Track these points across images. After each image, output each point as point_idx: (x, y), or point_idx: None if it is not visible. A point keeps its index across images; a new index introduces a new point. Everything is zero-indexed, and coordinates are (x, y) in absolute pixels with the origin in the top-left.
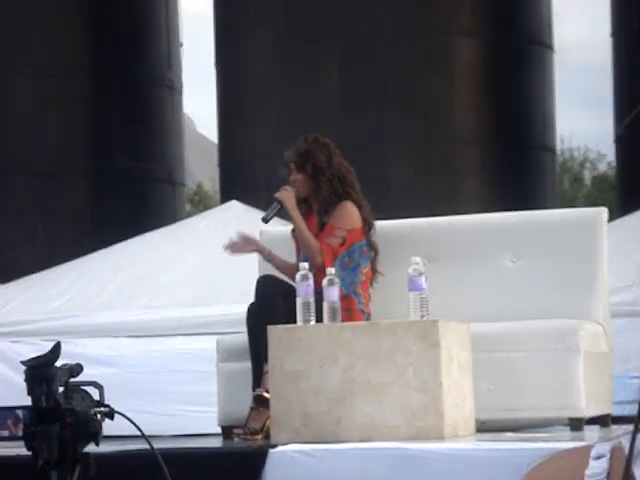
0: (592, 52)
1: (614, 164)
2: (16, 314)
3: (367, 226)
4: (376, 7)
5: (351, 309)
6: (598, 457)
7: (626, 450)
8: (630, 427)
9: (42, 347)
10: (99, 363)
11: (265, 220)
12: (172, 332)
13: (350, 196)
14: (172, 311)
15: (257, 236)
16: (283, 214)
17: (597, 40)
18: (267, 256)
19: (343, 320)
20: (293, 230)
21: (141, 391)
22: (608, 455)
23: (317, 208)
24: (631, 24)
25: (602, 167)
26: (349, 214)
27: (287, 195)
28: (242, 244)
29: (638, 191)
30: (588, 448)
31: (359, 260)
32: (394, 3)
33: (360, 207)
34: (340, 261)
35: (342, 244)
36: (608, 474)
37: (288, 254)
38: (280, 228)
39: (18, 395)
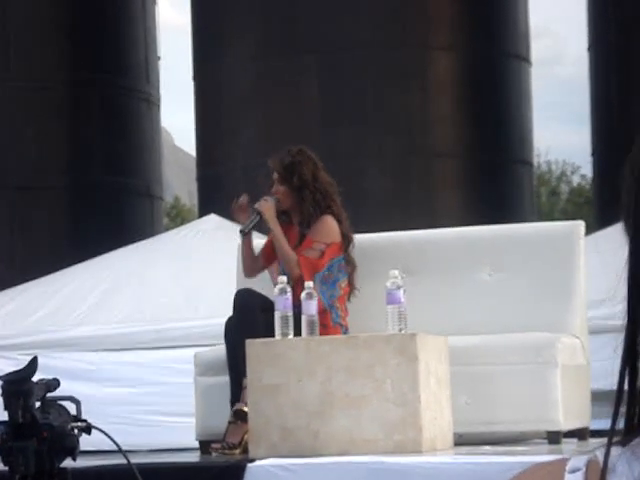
0: (569, 66)
1: (589, 177)
2: None
3: (346, 241)
4: (355, 21)
5: (326, 325)
6: (573, 471)
7: (601, 464)
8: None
9: (20, 362)
10: (77, 377)
11: (243, 232)
12: (150, 345)
13: (331, 210)
14: (150, 324)
15: (235, 250)
16: (261, 226)
17: (574, 54)
18: (247, 233)
19: (320, 335)
20: (266, 246)
21: (119, 404)
22: (584, 469)
23: (299, 220)
24: (607, 38)
25: (576, 180)
26: (329, 228)
27: (267, 206)
28: (238, 209)
29: (614, 204)
30: (564, 461)
31: (337, 274)
32: (373, 17)
33: (340, 222)
34: (320, 275)
35: (320, 257)
36: None
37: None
38: (257, 242)
39: None
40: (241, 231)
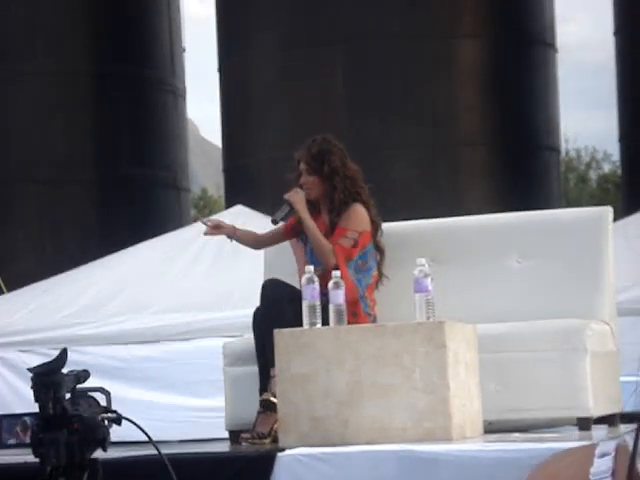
0: (595, 51)
1: (619, 163)
2: (24, 323)
3: (375, 228)
4: (379, 11)
5: (357, 314)
6: (603, 455)
7: (630, 448)
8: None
9: (51, 356)
10: (106, 371)
11: (275, 222)
12: (179, 337)
13: (360, 197)
14: (180, 316)
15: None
16: (288, 217)
17: (600, 39)
18: (233, 235)
19: (349, 324)
20: (286, 225)
21: (149, 398)
22: (613, 453)
23: (328, 209)
24: (633, 22)
25: (607, 167)
26: (361, 216)
27: (297, 197)
28: (211, 229)
29: None
30: (593, 447)
31: (371, 263)
32: (397, 7)
33: (368, 209)
34: (355, 263)
35: (354, 246)
36: (613, 472)
37: (289, 258)
38: None
39: (28, 406)
40: (273, 220)
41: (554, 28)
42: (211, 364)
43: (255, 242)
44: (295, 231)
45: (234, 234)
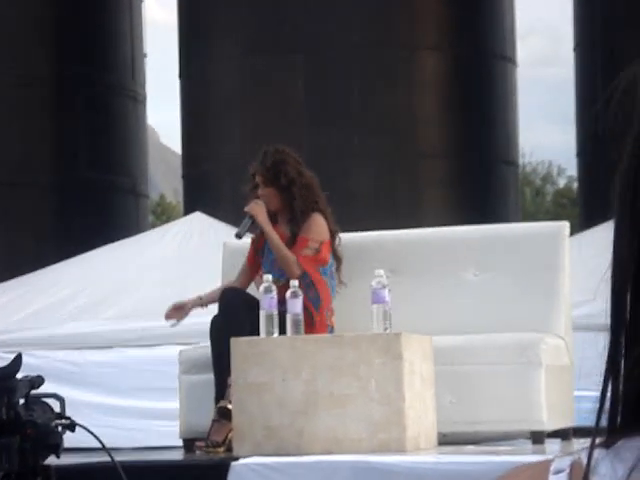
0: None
1: (575, 178)
2: None
3: (333, 236)
4: (342, 20)
5: (321, 322)
6: (558, 472)
7: (585, 465)
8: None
9: (3, 360)
10: (61, 376)
11: (239, 236)
12: (134, 343)
13: (318, 206)
14: (135, 322)
15: (220, 247)
16: (254, 229)
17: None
18: (203, 303)
19: (311, 333)
20: (250, 256)
21: (102, 404)
22: (567, 470)
23: (287, 219)
24: (593, 38)
25: (562, 181)
26: (320, 226)
27: (259, 209)
28: (174, 313)
29: (599, 206)
30: (548, 462)
31: (334, 272)
32: (360, 16)
33: (326, 217)
34: (328, 270)
35: (316, 255)
36: None
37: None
38: (242, 240)
39: None
40: (237, 235)
41: (515, 43)
42: (166, 371)
43: (205, 300)
44: (258, 258)
45: (202, 302)
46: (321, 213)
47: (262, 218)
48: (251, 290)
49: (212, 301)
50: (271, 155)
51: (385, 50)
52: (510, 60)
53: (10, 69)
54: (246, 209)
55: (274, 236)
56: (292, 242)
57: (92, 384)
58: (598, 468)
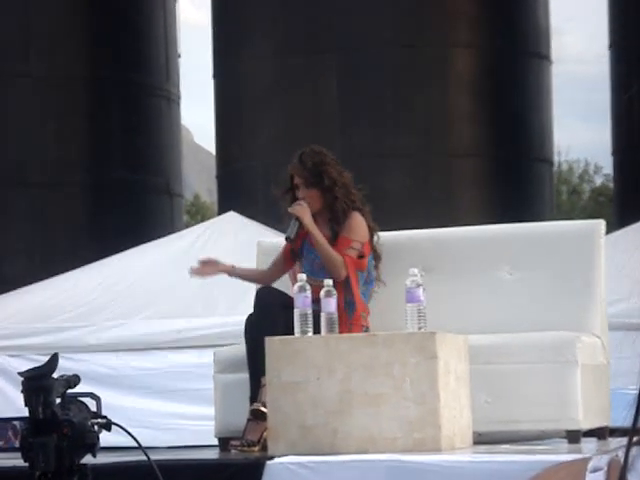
0: (590, 64)
1: (611, 177)
2: (12, 327)
3: (372, 234)
4: (375, 20)
5: (354, 324)
6: (595, 470)
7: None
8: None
9: (40, 362)
10: (97, 378)
11: (289, 239)
12: (169, 345)
13: (356, 205)
14: (170, 324)
15: (254, 247)
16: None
17: (595, 52)
18: (233, 273)
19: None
20: (284, 251)
21: (139, 405)
22: (605, 468)
23: (328, 219)
24: (628, 35)
25: (599, 180)
26: (361, 226)
27: (304, 211)
28: (203, 268)
29: (635, 203)
30: (585, 461)
31: (372, 274)
32: (393, 15)
33: (365, 215)
34: (363, 276)
35: (359, 256)
36: None
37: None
38: (276, 239)
39: (17, 411)
40: (287, 238)
41: (549, 40)
42: (200, 372)
43: (261, 278)
44: (294, 254)
45: (233, 272)
46: (359, 211)
47: (308, 220)
48: (283, 288)
49: (241, 276)
50: (310, 156)
51: (418, 49)
52: (545, 57)
53: (45, 70)
54: (290, 210)
55: (321, 238)
56: (333, 242)
57: (128, 386)
58: (635, 465)
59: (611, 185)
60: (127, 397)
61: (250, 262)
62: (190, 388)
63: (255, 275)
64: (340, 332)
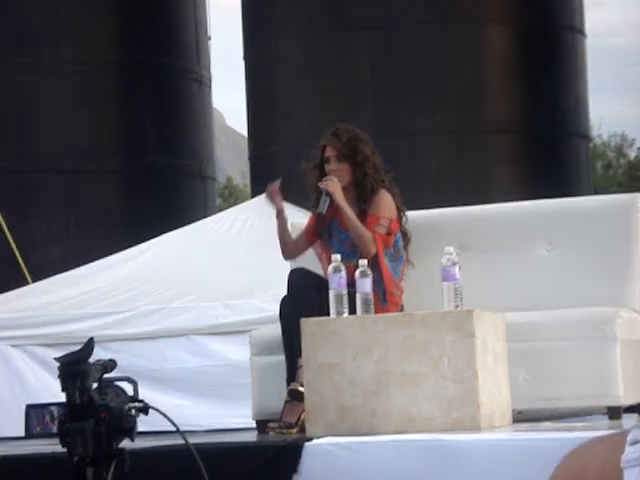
0: (625, 37)
1: None
2: (49, 315)
3: (400, 214)
4: None
5: (390, 302)
6: (635, 442)
7: None
8: None
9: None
10: (135, 366)
11: (321, 214)
12: (209, 331)
13: (384, 184)
14: (207, 309)
15: (289, 227)
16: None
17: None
18: (281, 216)
19: (380, 313)
20: (308, 226)
21: (177, 387)
22: None
23: (355, 196)
24: None
25: (633, 153)
26: (388, 203)
27: (335, 186)
28: (273, 193)
29: None
30: (624, 434)
31: (402, 251)
32: None
33: (394, 195)
34: (390, 252)
35: (387, 233)
36: None
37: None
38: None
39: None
40: (319, 213)
41: (583, 13)
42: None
43: (288, 244)
44: (319, 228)
45: (281, 215)
46: (388, 191)
47: (339, 195)
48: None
49: (282, 227)
50: (347, 131)
51: (450, 25)
52: (579, 31)
53: (75, 56)
54: (322, 185)
55: (351, 214)
56: (360, 219)
57: (166, 378)
58: None
59: None
60: (165, 390)
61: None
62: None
63: (287, 238)
64: (375, 307)
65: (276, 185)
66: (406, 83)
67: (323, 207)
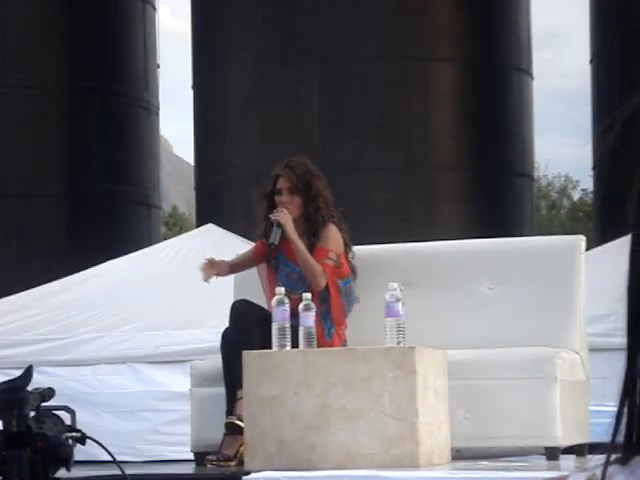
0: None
1: (589, 192)
2: None
3: (347, 250)
4: (356, 32)
5: (338, 336)
6: None
7: None
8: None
9: (13, 376)
10: (73, 394)
11: (273, 245)
12: (147, 360)
13: (334, 219)
14: (149, 336)
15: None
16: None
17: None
18: (230, 271)
19: (323, 346)
20: (257, 249)
21: (114, 413)
22: None
23: (303, 230)
24: (610, 51)
25: (576, 195)
26: (336, 237)
27: (286, 218)
28: (207, 268)
29: (615, 219)
30: (563, 479)
31: (354, 286)
32: (375, 28)
33: (341, 230)
34: (345, 286)
35: (337, 266)
36: None
37: (258, 278)
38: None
39: None
40: (271, 244)
41: (530, 54)
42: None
43: (230, 269)
44: (264, 256)
45: (230, 269)
46: (336, 225)
47: (290, 228)
48: (258, 301)
49: (238, 268)
50: (301, 165)
51: (400, 62)
52: (526, 72)
53: (23, 80)
54: (273, 217)
55: (302, 247)
56: (309, 253)
57: (104, 403)
58: None
59: (589, 200)
60: (100, 411)
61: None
62: (166, 409)
63: (243, 261)
64: (317, 343)
65: (205, 264)
66: (355, 117)
67: (275, 238)
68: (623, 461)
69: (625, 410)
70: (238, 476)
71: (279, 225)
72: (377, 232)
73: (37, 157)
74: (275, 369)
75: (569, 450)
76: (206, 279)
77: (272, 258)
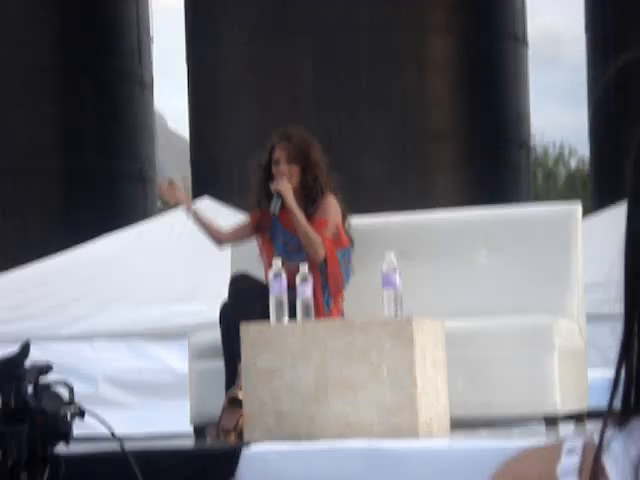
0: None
1: (586, 159)
2: None
3: (344, 220)
4: (350, 3)
5: (337, 307)
6: (570, 452)
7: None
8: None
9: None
10: (69, 368)
11: (275, 215)
12: (145, 333)
13: (332, 189)
14: (146, 310)
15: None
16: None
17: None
18: (191, 212)
19: (321, 316)
20: (252, 219)
21: (113, 387)
22: (580, 450)
23: (302, 199)
24: (604, 19)
25: (574, 163)
26: (335, 208)
27: (287, 188)
28: (168, 189)
29: (612, 186)
30: (560, 444)
31: (352, 257)
32: None
33: (339, 200)
34: (345, 254)
35: (335, 237)
36: (580, 468)
37: (257, 251)
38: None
39: None
40: (272, 214)
41: (525, 23)
42: (173, 364)
43: (216, 235)
44: (260, 226)
45: (191, 211)
46: (335, 195)
47: (290, 197)
48: (259, 274)
49: (199, 222)
50: (297, 133)
51: (394, 32)
52: (521, 40)
53: (15, 56)
54: (274, 187)
55: (301, 217)
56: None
57: (102, 377)
58: (610, 447)
59: (586, 168)
60: (99, 388)
61: (225, 248)
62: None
63: (212, 229)
64: (316, 314)
65: (163, 185)
66: (350, 88)
67: (275, 208)
68: (620, 425)
69: (622, 374)
70: (238, 448)
71: (279, 195)
72: (373, 203)
73: (29, 132)
74: (273, 341)
75: (568, 417)
76: (187, 211)
77: (268, 227)
